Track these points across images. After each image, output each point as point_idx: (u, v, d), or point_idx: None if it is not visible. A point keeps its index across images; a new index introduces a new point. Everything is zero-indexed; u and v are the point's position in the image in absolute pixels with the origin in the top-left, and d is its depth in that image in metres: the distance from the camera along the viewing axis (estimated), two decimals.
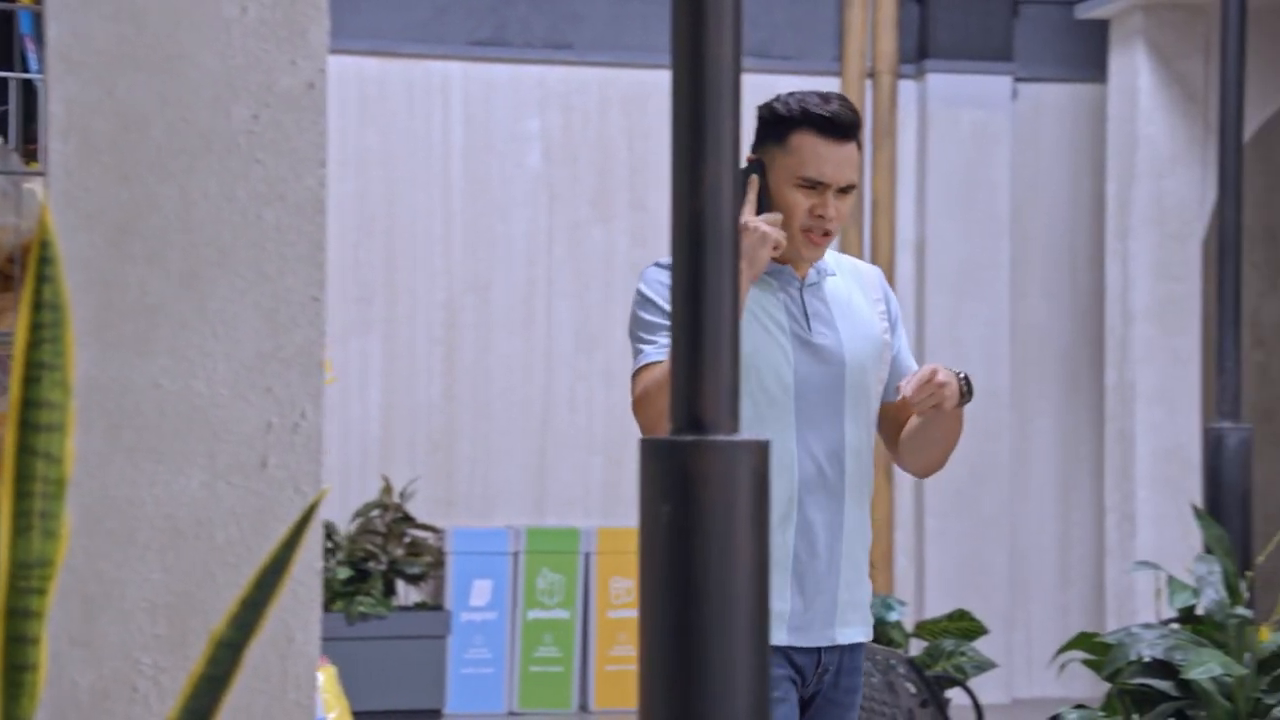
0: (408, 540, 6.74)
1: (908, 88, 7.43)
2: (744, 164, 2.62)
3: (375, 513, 6.77)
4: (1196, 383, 6.70)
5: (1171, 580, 3.56)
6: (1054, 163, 7.49)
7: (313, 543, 1.76)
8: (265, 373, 1.80)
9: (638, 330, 2.65)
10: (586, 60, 7.17)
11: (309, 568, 1.78)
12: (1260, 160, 7.66)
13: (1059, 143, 7.49)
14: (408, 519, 6.76)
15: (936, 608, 6.91)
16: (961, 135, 7.37)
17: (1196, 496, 6.15)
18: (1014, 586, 7.34)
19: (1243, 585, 3.41)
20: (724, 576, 2.10)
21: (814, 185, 2.58)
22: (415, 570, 6.71)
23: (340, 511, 6.85)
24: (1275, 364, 7.80)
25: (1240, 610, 3.34)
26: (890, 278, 7.42)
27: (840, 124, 2.58)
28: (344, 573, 6.60)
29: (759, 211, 2.60)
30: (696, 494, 2.13)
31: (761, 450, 2.20)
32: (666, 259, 2.61)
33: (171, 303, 1.78)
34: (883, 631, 4.50)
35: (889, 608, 4.53)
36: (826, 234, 2.62)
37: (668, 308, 2.57)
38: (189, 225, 1.78)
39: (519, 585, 6.88)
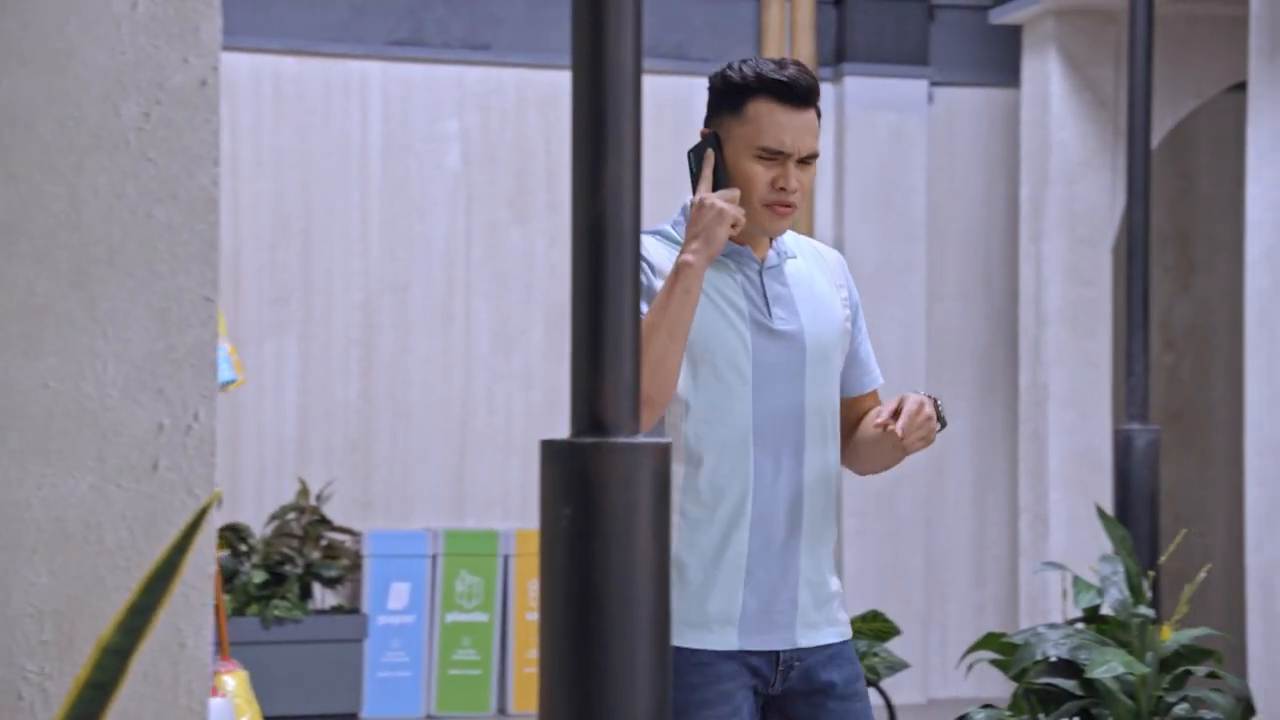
0: (324, 543, 6.69)
1: (825, 90, 7.47)
2: (698, 139, 2.49)
3: (291, 515, 6.71)
4: (1107, 385, 6.78)
5: (1077, 580, 3.60)
6: (969, 166, 7.57)
7: (204, 546, 1.74)
8: (156, 374, 1.77)
9: None
10: (505, 61, 7.16)
11: (200, 572, 1.75)
12: (1171, 164, 7.77)
13: (974, 146, 7.56)
14: (324, 521, 6.71)
15: (855, 608, 6.94)
16: (878, 138, 7.42)
17: (1107, 498, 6.23)
18: (931, 587, 7.40)
19: (1146, 585, 3.45)
20: (625, 580, 2.10)
21: (774, 155, 2.43)
22: (332, 573, 6.65)
23: (256, 514, 6.78)
24: (1186, 366, 7.92)
25: (1143, 610, 3.38)
26: None
27: (798, 89, 2.44)
28: (259, 576, 6.54)
29: (716, 188, 2.45)
30: (597, 497, 2.12)
31: (663, 452, 2.19)
32: (654, 226, 2.50)
33: (60, 302, 1.75)
34: None
35: None
36: (789, 206, 2.47)
37: (643, 279, 2.37)
38: (78, 224, 1.75)
39: (437, 588, 6.84)
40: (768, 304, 2.49)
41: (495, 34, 7.16)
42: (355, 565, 6.75)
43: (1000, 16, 6.92)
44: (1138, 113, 5.40)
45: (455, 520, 7.11)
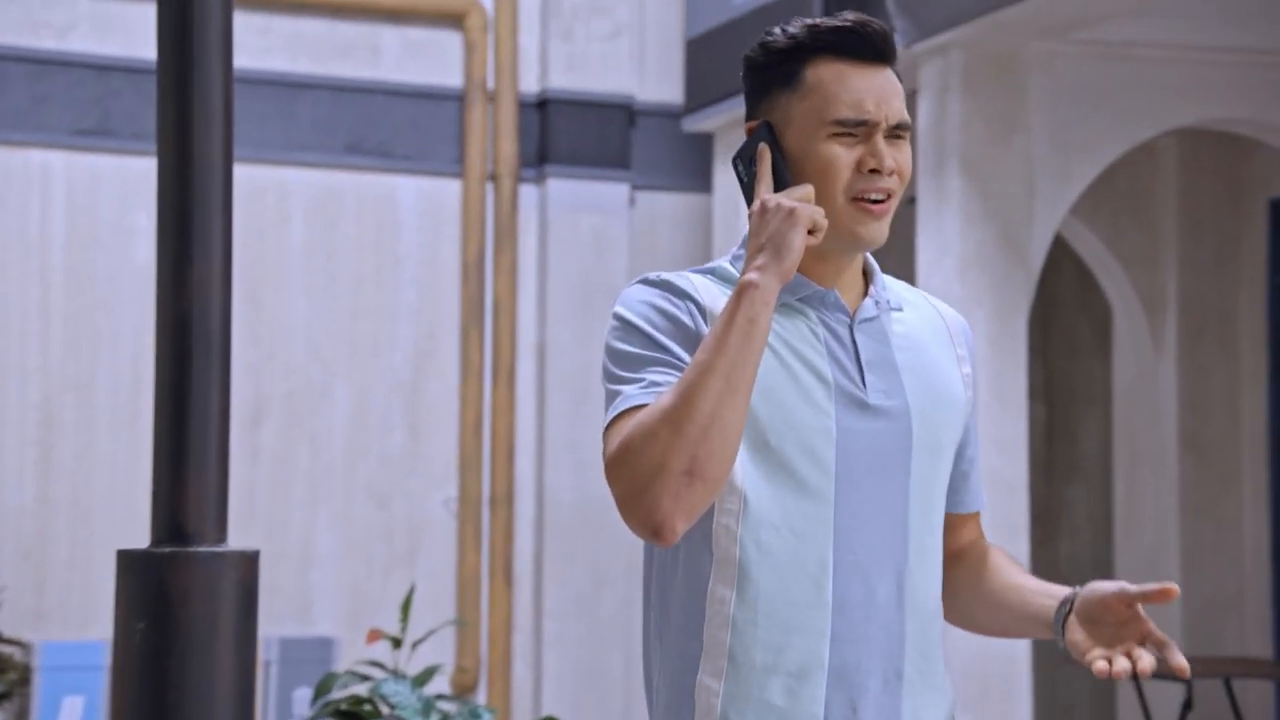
0: None
1: (529, 192, 7.51)
2: (744, 136, 1.89)
3: None
4: None
5: None
6: (670, 268, 7.67)
7: None
8: None
9: (614, 366, 1.81)
10: None
11: None
12: None
13: (674, 250, 7.69)
14: None
15: (554, 710, 6.88)
16: (581, 240, 7.49)
17: None
18: (629, 689, 7.38)
19: None
20: (203, 701, 1.99)
21: (854, 129, 1.80)
22: None
23: None
24: None
25: None
26: (511, 382, 7.45)
27: (870, 38, 1.81)
28: None
29: (779, 190, 1.81)
30: (175, 611, 2.02)
31: (249, 562, 2.10)
32: (659, 274, 1.91)
33: None
34: None
35: (476, 716, 4.46)
36: (887, 197, 1.82)
37: (659, 336, 1.81)
38: None
39: None
40: (861, 370, 1.82)
41: None
42: (24, 679, 6.39)
43: (692, 124, 7.08)
44: None
45: None
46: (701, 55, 6.94)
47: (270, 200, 7.12)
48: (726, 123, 6.90)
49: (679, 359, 1.78)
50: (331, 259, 7.27)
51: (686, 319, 1.82)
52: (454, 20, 7.39)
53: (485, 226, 7.41)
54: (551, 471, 7.35)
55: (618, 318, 1.86)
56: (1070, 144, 5.57)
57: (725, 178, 7.05)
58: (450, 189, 7.43)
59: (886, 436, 1.81)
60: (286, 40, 7.22)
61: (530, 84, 7.53)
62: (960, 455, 1.93)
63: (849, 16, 1.82)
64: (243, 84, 7.12)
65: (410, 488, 7.31)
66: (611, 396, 1.79)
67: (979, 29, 5.23)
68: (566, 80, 7.51)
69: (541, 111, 7.52)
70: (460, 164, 7.42)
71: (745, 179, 1.86)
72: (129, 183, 6.91)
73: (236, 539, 2.03)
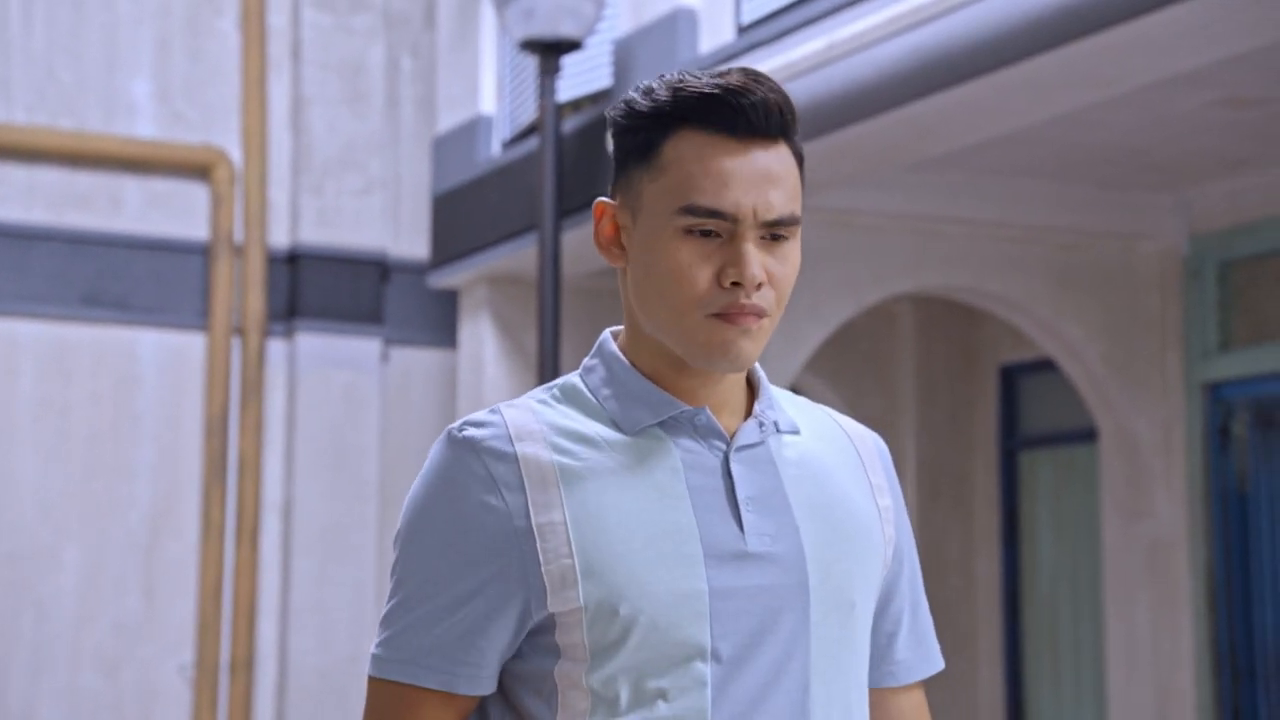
0: None
1: (277, 347, 7.35)
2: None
3: None
4: None
5: None
6: (422, 425, 7.56)
7: None
8: None
9: (392, 572, 1.42)
10: None
11: None
12: None
13: (426, 406, 7.58)
14: None
15: None
16: (332, 396, 7.33)
17: None
18: None
19: None
20: None
21: (709, 223, 1.37)
22: None
23: None
24: None
25: None
26: (254, 541, 7.21)
27: (745, 109, 1.37)
28: None
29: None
30: None
31: None
32: (468, 423, 1.41)
33: None
34: None
35: None
36: (754, 315, 1.37)
37: (434, 563, 1.36)
38: None
39: None
40: (737, 510, 1.39)
41: None
42: None
43: (437, 280, 7.02)
44: (548, 375, 5.52)
45: None
46: (447, 211, 6.92)
47: None
48: (471, 280, 6.86)
49: (465, 596, 1.35)
50: (64, 415, 7.00)
51: (482, 515, 1.36)
52: (200, 172, 7.26)
53: (230, 381, 7.22)
54: (295, 635, 7.09)
55: (409, 500, 1.41)
56: (797, 306, 5.62)
57: (470, 334, 6.99)
58: (194, 343, 7.24)
59: (775, 593, 1.36)
60: (21, 190, 7.03)
61: (280, 238, 7.42)
62: (883, 613, 1.49)
63: (734, 78, 1.39)
64: None
65: (143, 654, 6.98)
66: (381, 622, 1.40)
67: None
68: (318, 234, 7.42)
69: (291, 265, 7.40)
70: (205, 318, 7.24)
71: None
72: None
73: None
